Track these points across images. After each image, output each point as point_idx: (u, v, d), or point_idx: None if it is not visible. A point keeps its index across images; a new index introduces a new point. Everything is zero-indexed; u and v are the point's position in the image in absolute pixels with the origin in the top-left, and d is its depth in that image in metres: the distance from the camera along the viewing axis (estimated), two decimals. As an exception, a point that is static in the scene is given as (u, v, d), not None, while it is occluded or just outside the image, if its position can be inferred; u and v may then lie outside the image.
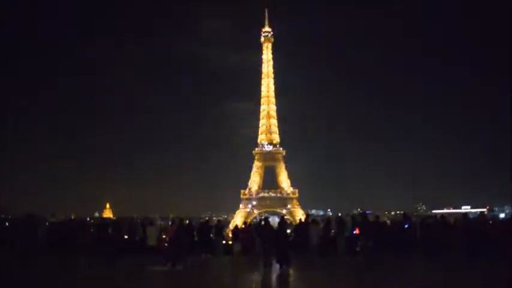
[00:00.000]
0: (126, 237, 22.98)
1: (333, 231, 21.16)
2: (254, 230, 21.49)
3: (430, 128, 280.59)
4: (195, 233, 21.56)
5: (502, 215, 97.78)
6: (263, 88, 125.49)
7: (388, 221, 27.16)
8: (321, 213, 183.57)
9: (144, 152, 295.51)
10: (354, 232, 20.39)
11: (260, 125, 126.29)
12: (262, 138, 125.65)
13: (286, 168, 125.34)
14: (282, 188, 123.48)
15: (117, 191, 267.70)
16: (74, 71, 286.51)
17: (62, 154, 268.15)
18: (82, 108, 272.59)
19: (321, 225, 21.78)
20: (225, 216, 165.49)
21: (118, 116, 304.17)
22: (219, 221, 24.57)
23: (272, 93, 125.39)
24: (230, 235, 25.93)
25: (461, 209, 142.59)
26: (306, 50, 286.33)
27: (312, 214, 68.13)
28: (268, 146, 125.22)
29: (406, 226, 20.49)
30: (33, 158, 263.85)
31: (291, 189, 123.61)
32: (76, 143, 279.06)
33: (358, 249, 20.14)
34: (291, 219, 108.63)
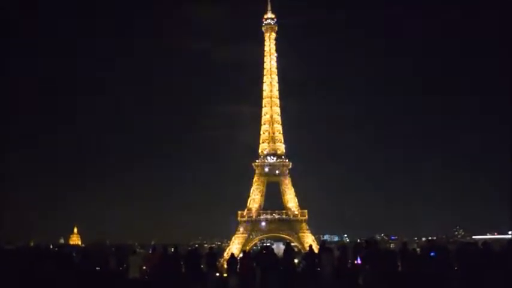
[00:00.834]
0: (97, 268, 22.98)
1: (349, 261, 21.19)
2: (254, 260, 21.46)
3: (469, 142, 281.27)
4: (181, 263, 21.58)
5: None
6: (265, 87, 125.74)
7: (418, 249, 27.08)
8: (336, 239, 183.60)
9: (117, 169, 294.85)
10: (357, 262, 20.56)
11: (262, 132, 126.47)
12: (264, 147, 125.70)
13: (294, 184, 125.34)
14: (288, 209, 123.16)
15: (87, 212, 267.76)
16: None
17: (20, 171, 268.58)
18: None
19: (336, 253, 21.79)
20: (219, 243, 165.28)
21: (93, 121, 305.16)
22: (211, 248, 24.77)
23: (276, 93, 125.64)
24: (225, 266, 25.93)
25: (507, 234, 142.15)
26: (318, 41, 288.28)
27: (325, 240, 68.07)
28: (272, 157, 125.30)
29: (432, 254, 20.47)
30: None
31: (299, 209, 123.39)
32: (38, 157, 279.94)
33: (360, 282, 20.17)
34: (299, 246, 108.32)
